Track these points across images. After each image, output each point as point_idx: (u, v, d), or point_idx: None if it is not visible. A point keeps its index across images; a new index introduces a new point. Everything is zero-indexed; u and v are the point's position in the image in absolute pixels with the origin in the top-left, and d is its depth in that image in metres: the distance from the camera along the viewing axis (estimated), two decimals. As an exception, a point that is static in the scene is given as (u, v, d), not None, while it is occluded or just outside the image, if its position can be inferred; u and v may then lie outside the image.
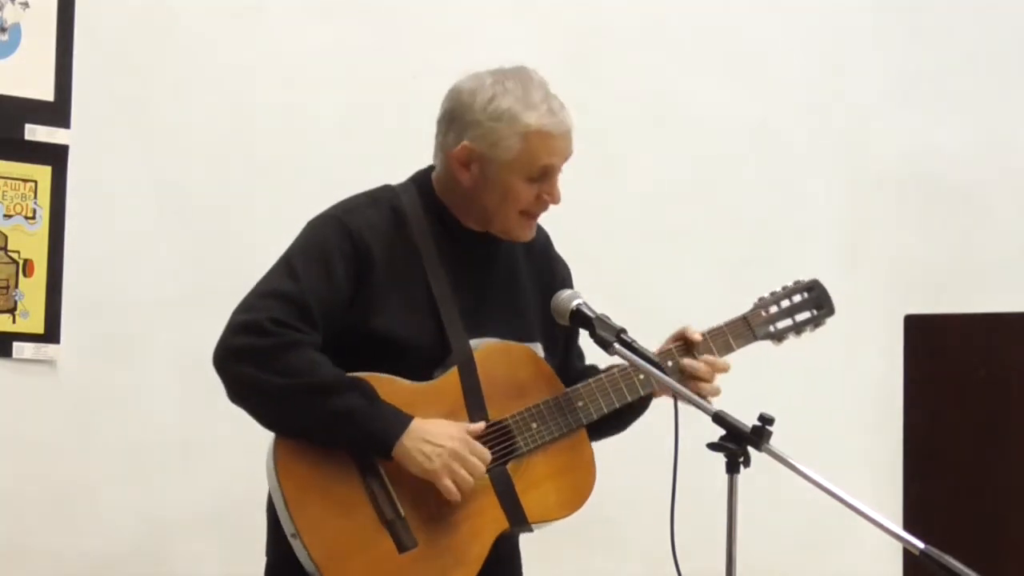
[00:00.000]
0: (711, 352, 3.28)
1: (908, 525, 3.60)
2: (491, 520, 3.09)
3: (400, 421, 3.02)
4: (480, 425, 3.10)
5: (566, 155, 3.19)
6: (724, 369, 3.28)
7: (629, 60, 5.01)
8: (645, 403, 3.32)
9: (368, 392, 3.03)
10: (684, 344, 3.28)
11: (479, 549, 3.07)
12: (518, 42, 4.73)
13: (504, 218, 3.19)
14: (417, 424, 3.02)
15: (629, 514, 4.70)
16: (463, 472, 3.02)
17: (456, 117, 3.18)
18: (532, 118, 3.13)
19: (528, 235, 3.22)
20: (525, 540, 3.31)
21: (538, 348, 3.25)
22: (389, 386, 3.07)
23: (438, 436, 3.03)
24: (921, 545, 2.65)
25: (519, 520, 3.11)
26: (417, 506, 3.04)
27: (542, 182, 3.17)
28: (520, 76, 3.19)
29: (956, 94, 5.63)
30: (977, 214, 5.65)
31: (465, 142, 3.16)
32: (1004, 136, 5.69)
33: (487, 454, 3.07)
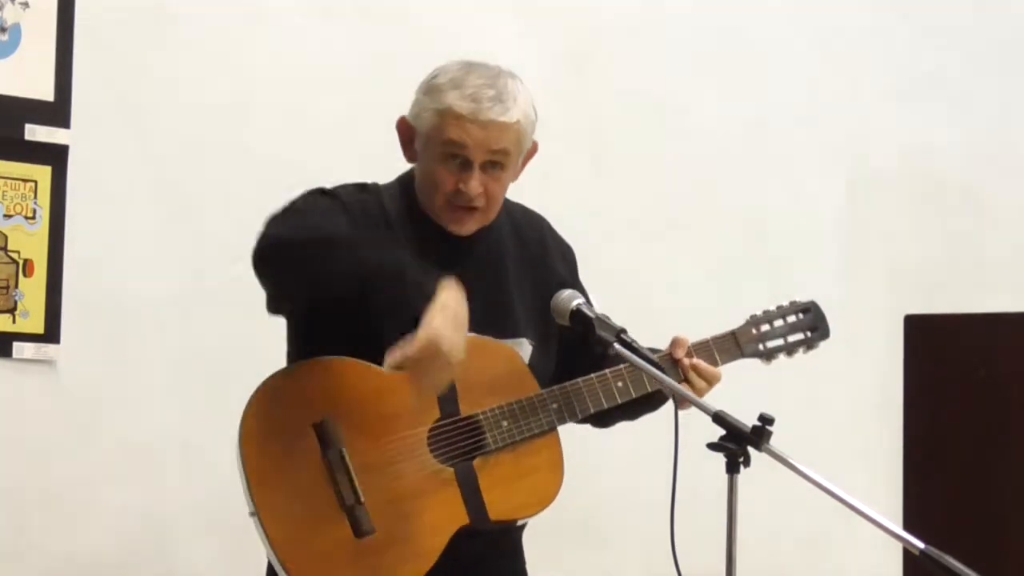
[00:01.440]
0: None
1: (908, 525, 3.60)
2: (451, 514, 3.07)
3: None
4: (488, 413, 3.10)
5: (482, 144, 3.12)
6: (716, 377, 3.27)
7: (628, 60, 5.02)
8: (659, 399, 3.31)
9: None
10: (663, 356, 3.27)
11: (437, 541, 3.05)
12: (519, 42, 4.74)
13: (432, 203, 3.18)
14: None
15: (629, 514, 4.70)
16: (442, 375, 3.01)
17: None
18: (451, 96, 3.12)
19: (458, 228, 3.19)
20: (524, 539, 3.31)
21: (522, 344, 3.23)
22: (362, 370, 3.07)
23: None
24: (921, 545, 2.65)
25: (480, 516, 3.09)
26: (379, 493, 3.03)
27: (461, 170, 3.14)
28: (477, 65, 3.18)
29: (956, 94, 5.63)
30: (977, 214, 5.66)
31: (404, 115, 3.23)
32: (1004, 136, 5.69)
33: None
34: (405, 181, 3.28)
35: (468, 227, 3.20)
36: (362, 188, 3.25)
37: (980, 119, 5.65)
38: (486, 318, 3.18)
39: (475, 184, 3.13)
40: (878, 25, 5.52)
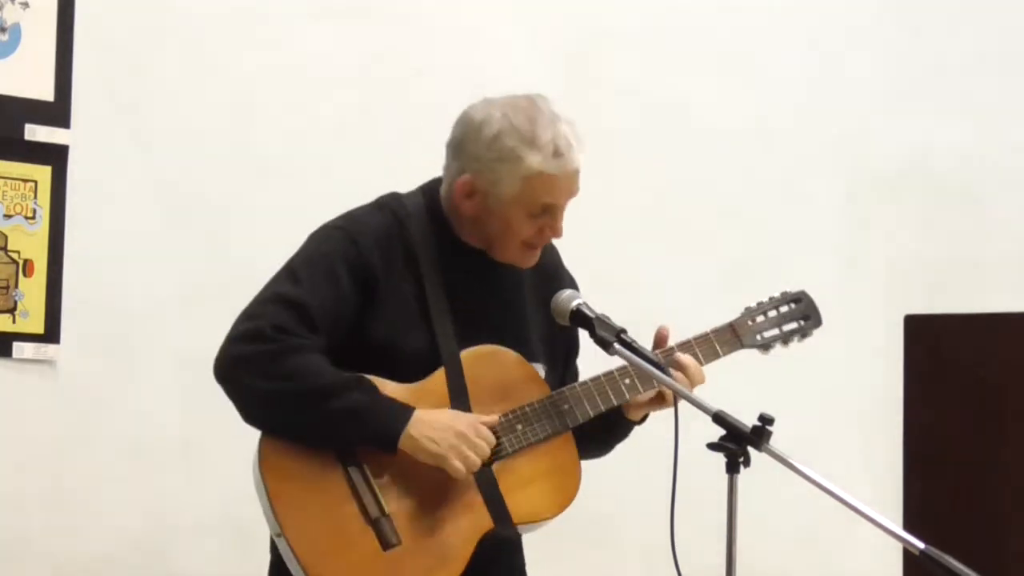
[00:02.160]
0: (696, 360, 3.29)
1: (908, 525, 3.60)
2: (476, 520, 3.09)
3: (403, 413, 3.04)
4: (493, 418, 3.11)
5: (570, 194, 3.19)
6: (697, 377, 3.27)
7: (629, 60, 5.01)
8: (624, 429, 3.33)
9: (368, 389, 3.05)
10: (666, 351, 3.27)
11: (463, 548, 3.07)
12: (519, 42, 4.74)
13: (504, 247, 3.20)
14: (421, 414, 3.04)
15: (629, 514, 4.70)
16: (470, 454, 3.04)
17: (462, 148, 3.18)
18: (535, 160, 3.12)
19: (529, 263, 3.23)
20: (525, 539, 3.32)
21: (540, 369, 3.26)
22: (378, 386, 3.08)
23: (443, 421, 3.05)
24: (921, 545, 2.65)
25: (503, 520, 3.11)
26: (402, 504, 3.06)
27: (544, 217, 3.17)
28: (531, 110, 3.15)
29: (956, 94, 5.63)
30: (977, 214, 5.65)
31: (467, 175, 3.16)
32: (1004, 136, 5.69)
33: (492, 437, 3.08)
34: (430, 193, 3.26)
35: (535, 261, 3.24)
36: (380, 207, 3.23)
37: (980, 119, 5.64)
38: (502, 337, 3.21)
39: (561, 228, 3.20)
40: (878, 25, 5.52)
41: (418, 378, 3.12)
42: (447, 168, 3.22)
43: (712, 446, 2.83)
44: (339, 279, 3.10)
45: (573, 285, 3.39)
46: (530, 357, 3.24)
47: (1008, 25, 5.74)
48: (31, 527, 4.01)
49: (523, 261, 3.22)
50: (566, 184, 3.16)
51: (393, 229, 3.17)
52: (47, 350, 4.05)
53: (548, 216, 3.17)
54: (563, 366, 3.36)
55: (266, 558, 3.19)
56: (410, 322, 3.14)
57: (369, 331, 3.11)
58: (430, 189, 3.26)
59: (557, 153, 3.13)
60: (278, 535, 3.02)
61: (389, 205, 3.22)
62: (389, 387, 3.08)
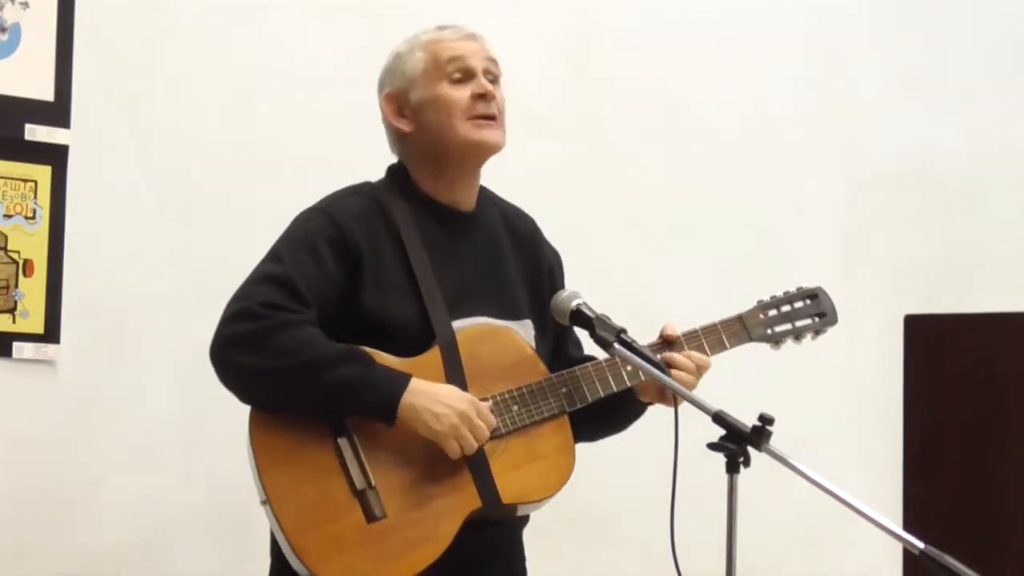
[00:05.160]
0: (702, 350, 3.29)
1: (908, 525, 3.60)
2: (464, 498, 3.09)
3: (400, 382, 3.05)
4: (487, 404, 3.11)
5: (475, 51, 3.27)
6: (705, 366, 3.27)
7: (629, 59, 5.02)
8: (638, 409, 3.32)
9: (363, 358, 3.06)
10: (663, 342, 3.28)
11: (449, 526, 3.07)
12: (519, 41, 4.73)
13: (455, 131, 3.23)
14: (419, 383, 3.05)
15: (629, 513, 4.70)
16: (469, 436, 3.05)
17: (379, 89, 3.35)
18: (424, 35, 3.29)
19: (493, 137, 3.25)
20: (525, 538, 3.31)
21: (527, 326, 3.26)
22: (374, 357, 3.09)
23: (448, 398, 3.05)
24: (921, 545, 2.65)
25: (492, 500, 3.10)
26: (390, 477, 3.06)
27: (467, 81, 3.23)
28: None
29: (956, 94, 5.63)
30: (977, 214, 5.65)
31: (385, 91, 3.30)
32: (1004, 136, 5.69)
33: (493, 420, 3.09)
34: (396, 171, 3.32)
35: (498, 137, 3.25)
36: (356, 192, 3.28)
37: (980, 119, 5.64)
38: (493, 298, 3.23)
39: (485, 82, 3.23)
40: (878, 25, 5.52)
41: (412, 348, 3.13)
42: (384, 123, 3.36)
43: (712, 446, 2.83)
44: (321, 254, 3.13)
45: (553, 254, 3.42)
46: (518, 315, 3.25)
47: (1008, 25, 5.74)
48: (30, 526, 4.01)
49: (485, 136, 3.24)
50: (463, 42, 3.28)
51: (371, 206, 3.22)
52: (47, 350, 4.05)
53: (468, 79, 3.24)
54: (558, 336, 3.35)
55: (267, 559, 3.19)
56: (398, 291, 3.15)
57: (359, 304, 3.13)
58: (395, 166, 3.34)
59: (442, 27, 3.30)
60: (264, 502, 3.03)
61: (366, 191, 3.28)
62: (386, 359, 3.09)
